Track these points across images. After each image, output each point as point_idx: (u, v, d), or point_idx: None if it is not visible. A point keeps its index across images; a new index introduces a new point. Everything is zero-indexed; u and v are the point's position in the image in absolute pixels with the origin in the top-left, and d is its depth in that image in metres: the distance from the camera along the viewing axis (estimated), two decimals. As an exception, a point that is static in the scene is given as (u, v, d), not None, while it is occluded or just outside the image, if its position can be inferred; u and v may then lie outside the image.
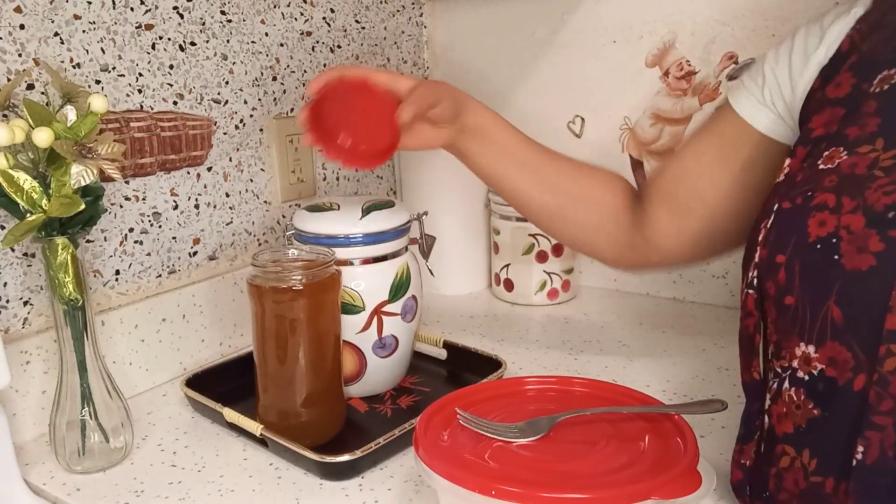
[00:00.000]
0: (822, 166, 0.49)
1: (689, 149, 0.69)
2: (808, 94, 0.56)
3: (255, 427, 0.68)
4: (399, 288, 0.76)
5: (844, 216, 0.45)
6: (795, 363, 0.48)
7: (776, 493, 0.51)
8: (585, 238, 0.75)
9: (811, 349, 0.46)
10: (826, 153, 0.50)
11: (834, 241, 0.45)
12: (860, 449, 0.43)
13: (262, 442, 0.69)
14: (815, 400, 0.47)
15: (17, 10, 0.70)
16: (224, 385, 0.79)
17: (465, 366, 0.84)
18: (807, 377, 0.47)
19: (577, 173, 0.74)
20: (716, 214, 0.67)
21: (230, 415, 0.70)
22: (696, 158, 0.67)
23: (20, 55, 0.71)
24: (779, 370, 0.50)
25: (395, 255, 0.76)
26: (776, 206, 0.50)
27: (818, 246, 0.46)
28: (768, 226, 0.50)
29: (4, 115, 0.67)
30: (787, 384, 0.49)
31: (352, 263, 0.74)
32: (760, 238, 0.51)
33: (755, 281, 0.51)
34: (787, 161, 0.53)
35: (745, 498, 0.55)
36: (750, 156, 0.63)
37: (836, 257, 0.45)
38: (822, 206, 0.47)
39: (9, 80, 0.70)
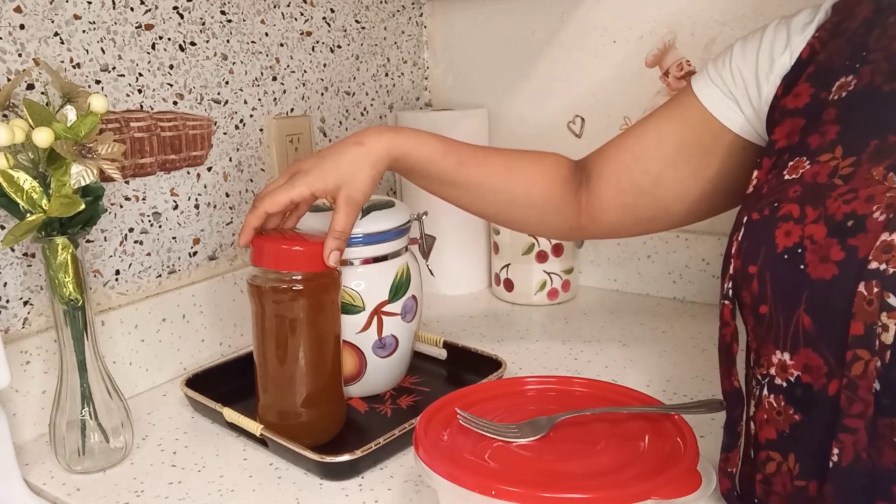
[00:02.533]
0: (787, 176, 0.50)
1: (650, 132, 0.68)
2: (771, 101, 0.57)
3: (255, 427, 0.68)
4: (399, 288, 0.76)
5: (808, 226, 0.46)
6: (773, 370, 0.49)
7: (765, 498, 0.51)
8: (531, 230, 0.82)
9: (786, 356, 0.47)
10: (791, 163, 0.51)
11: (799, 251, 0.46)
12: (835, 451, 0.44)
13: (262, 442, 0.69)
14: (795, 405, 0.47)
15: (17, 10, 0.70)
16: (224, 385, 0.79)
17: (465, 366, 0.84)
18: (784, 384, 0.48)
19: (511, 181, 0.73)
20: (666, 198, 0.68)
21: (230, 415, 0.70)
22: (658, 143, 0.67)
23: (20, 55, 0.71)
24: (759, 377, 0.50)
25: (395, 255, 0.76)
26: (745, 218, 0.51)
27: (785, 256, 0.47)
28: (739, 238, 0.51)
29: (4, 115, 0.67)
30: (766, 391, 0.50)
31: (352, 263, 0.74)
32: (734, 250, 0.51)
33: (730, 292, 0.52)
34: (755, 173, 0.54)
35: None
36: (711, 146, 0.64)
37: (802, 267, 0.45)
38: (788, 216, 0.48)
39: (9, 80, 0.70)
